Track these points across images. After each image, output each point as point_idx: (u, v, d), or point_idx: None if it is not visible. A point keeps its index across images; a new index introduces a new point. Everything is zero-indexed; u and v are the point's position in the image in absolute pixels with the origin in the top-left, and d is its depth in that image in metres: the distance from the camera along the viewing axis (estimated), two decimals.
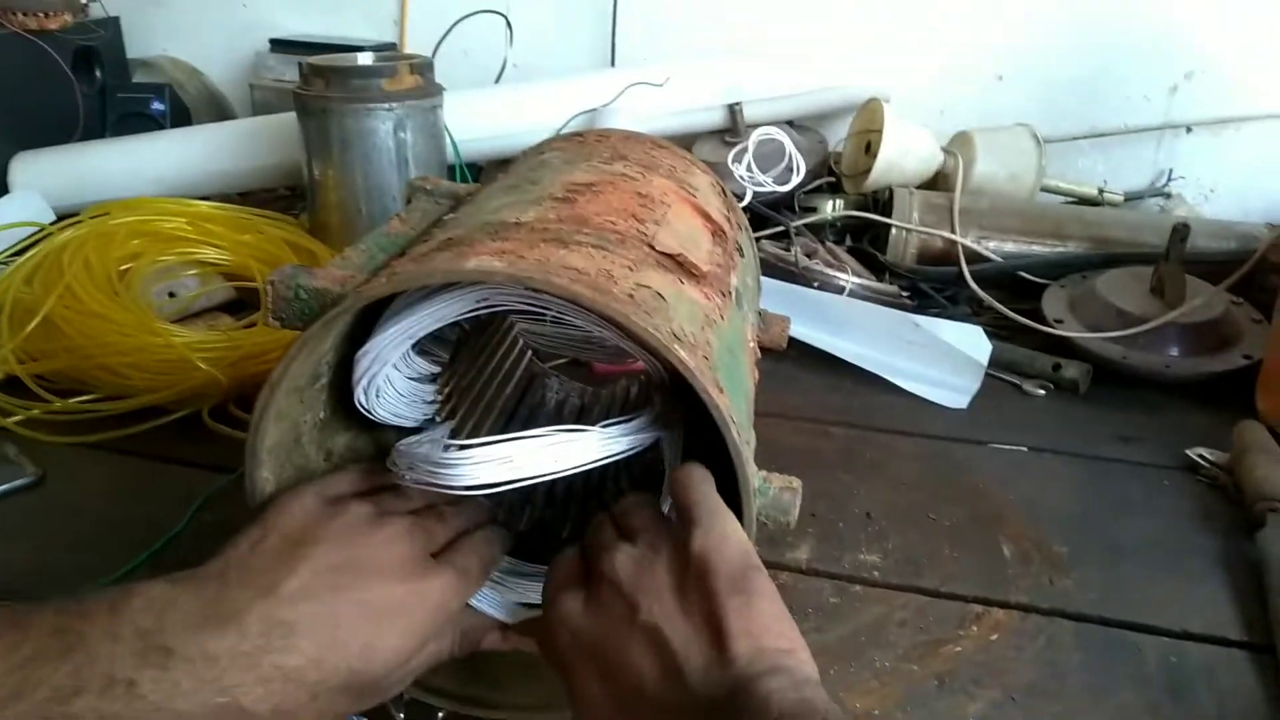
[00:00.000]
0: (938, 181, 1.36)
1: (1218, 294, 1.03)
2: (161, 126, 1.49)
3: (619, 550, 0.48)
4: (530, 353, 0.81)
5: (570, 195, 0.59)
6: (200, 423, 0.86)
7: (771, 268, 1.13)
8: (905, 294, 1.17)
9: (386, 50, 1.51)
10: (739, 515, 0.51)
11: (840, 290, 1.12)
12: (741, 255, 0.71)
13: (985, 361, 0.99)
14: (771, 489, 0.53)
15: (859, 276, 1.16)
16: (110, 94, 1.51)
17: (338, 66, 1.09)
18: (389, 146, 1.11)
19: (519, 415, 0.76)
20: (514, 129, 1.31)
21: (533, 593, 0.61)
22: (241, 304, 1.08)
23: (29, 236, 1.05)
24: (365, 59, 1.17)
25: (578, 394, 0.81)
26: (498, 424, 0.71)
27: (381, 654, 0.47)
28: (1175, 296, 1.02)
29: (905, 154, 1.29)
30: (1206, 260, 1.13)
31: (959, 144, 1.37)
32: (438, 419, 0.64)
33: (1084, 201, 1.39)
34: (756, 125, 1.33)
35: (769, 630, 0.43)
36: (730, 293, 0.61)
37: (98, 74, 1.51)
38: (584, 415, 0.79)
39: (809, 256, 1.17)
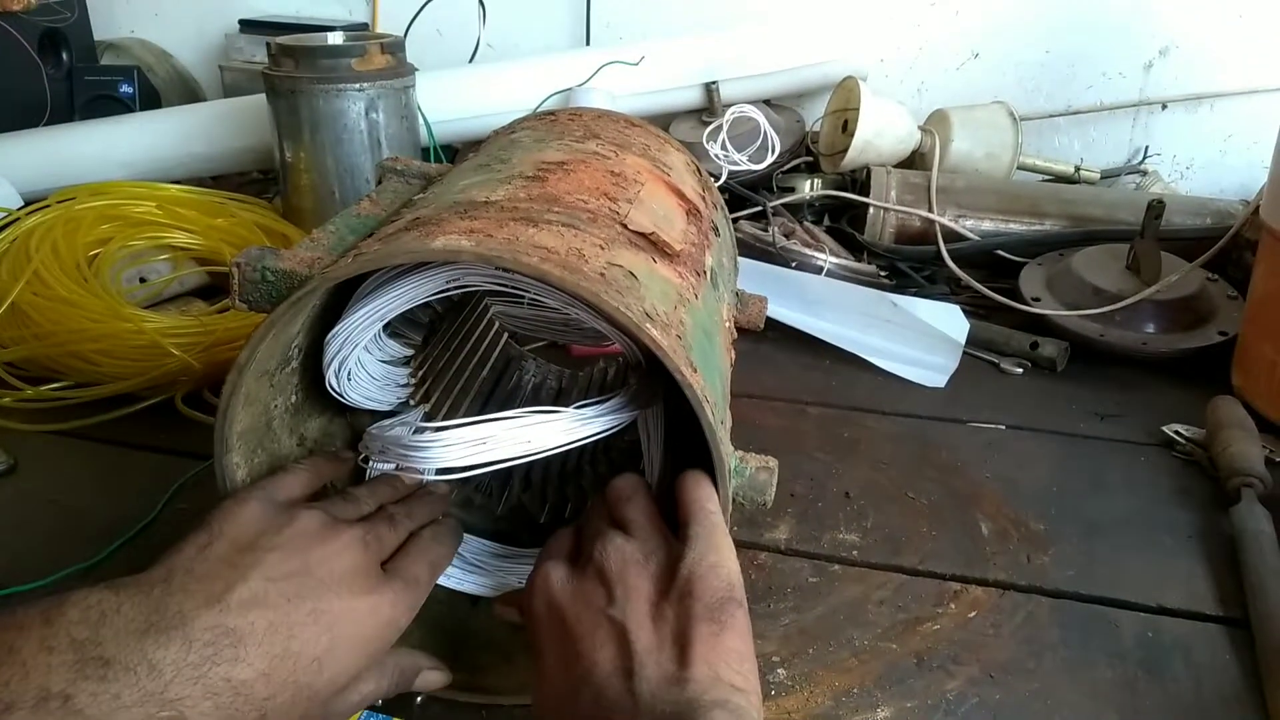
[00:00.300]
0: (915, 160, 1.35)
1: (1193, 271, 1.03)
2: (130, 109, 1.47)
3: (611, 540, 0.49)
4: (506, 335, 0.81)
5: (541, 174, 0.59)
6: (173, 409, 0.85)
7: (749, 248, 1.13)
8: (883, 273, 1.17)
9: (358, 30, 1.49)
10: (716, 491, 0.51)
11: (818, 270, 1.11)
12: (717, 235, 0.70)
13: (963, 340, 0.99)
14: (748, 469, 0.53)
15: (837, 256, 1.15)
16: (77, 77, 1.49)
17: (307, 46, 1.08)
18: (361, 128, 1.09)
19: (495, 398, 0.75)
20: (488, 109, 1.30)
21: (508, 575, 0.61)
22: (214, 289, 1.06)
23: None
24: (335, 39, 1.16)
25: (555, 376, 0.81)
26: (473, 407, 0.71)
27: (331, 669, 0.46)
28: (1151, 274, 1.02)
29: (882, 133, 1.28)
30: (1182, 237, 1.13)
31: (936, 122, 1.36)
32: (411, 402, 0.64)
33: (1060, 179, 1.39)
34: (733, 104, 1.32)
35: (730, 665, 0.43)
36: (705, 272, 0.61)
37: (64, 57, 1.49)
38: (561, 397, 0.78)
39: (787, 236, 1.17)
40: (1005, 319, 1.06)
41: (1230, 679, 0.60)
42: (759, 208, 1.25)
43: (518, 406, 0.54)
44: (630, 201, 0.59)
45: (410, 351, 0.65)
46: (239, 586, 0.44)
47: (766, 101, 1.41)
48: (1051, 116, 1.47)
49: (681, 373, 0.46)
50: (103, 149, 1.29)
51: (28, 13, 1.40)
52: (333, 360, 0.55)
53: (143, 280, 1.01)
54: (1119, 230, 1.15)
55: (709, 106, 1.37)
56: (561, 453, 0.55)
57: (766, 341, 1.01)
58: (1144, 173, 1.42)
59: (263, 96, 1.13)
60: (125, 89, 1.49)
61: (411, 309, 0.55)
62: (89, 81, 1.49)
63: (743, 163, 1.25)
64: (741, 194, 1.27)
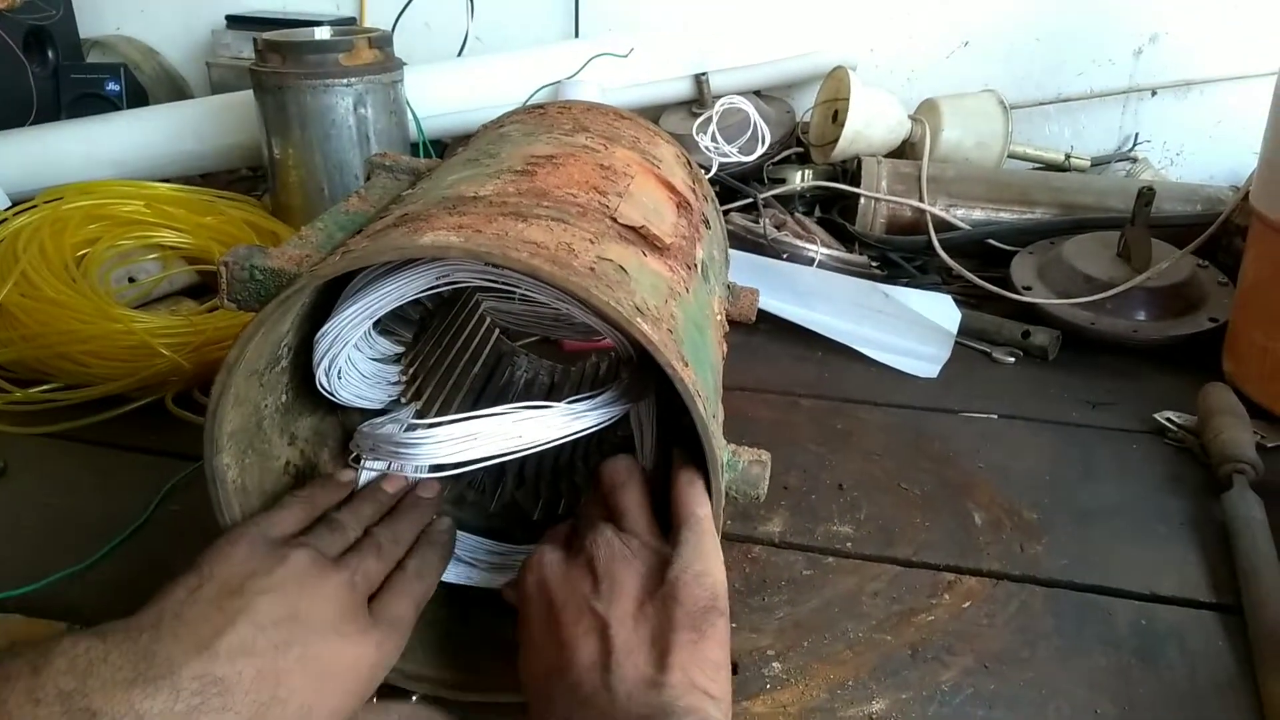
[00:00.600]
0: (905, 150, 1.35)
1: (1184, 257, 1.03)
2: (117, 107, 1.46)
3: (602, 532, 0.50)
4: (498, 331, 0.80)
5: (530, 168, 0.58)
6: (164, 410, 0.85)
7: (740, 239, 1.12)
8: (875, 264, 1.17)
9: (345, 24, 1.48)
10: (708, 486, 0.51)
11: (810, 261, 1.11)
12: (707, 227, 0.70)
13: (955, 330, 0.99)
14: (740, 463, 0.53)
15: (828, 247, 1.15)
16: (64, 75, 1.48)
17: (293, 42, 1.07)
18: (349, 123, 1.09)
19: (487, 395, 0.75)
20: (477, 103, 1.29)
21: (502, 571, 0.61)
22: (204, 288, 1.06)
23: None
24: (322, 33, 1.15)
25: (547, 372, 0.81)
26: (465, 404, 0.70)
27: (319, 715, 0.46)
28: (1141, 261, 1.02)
29: (872, 123, 1.28)
30: (1172, 224, 1.14)
31: (926, 111, 1.36)
32: (403, 400, 0.64)
33: (1051, 167, 1.39)
34: (723, 95, 1.31)
35: (705, 674, 0.44)
36: (695, 265, 0.61)
37: (50, 55, 1.48)
38: (554, 393, 0.78)
39: (778, 228, 1.17)
40: (997, 308, 1.06)
41: (1224, 665, 0.60)
42: (750, 199, 1.24)
43: (510, 402, 0.54)
44: (620, 195, 0.58)
45: (401, 349, 0.65)
46: (227, 633, 0.44)
47: (756, 92, 1.41)
48: (1041, 104, 1.47)
49: (673, 367, 0.46)
50: (89, 147, 1.28)
51: (12, 11, 1.39)
52: (323, 359, 0.54)
53: (131, 280, 1.00)
54: (1109, 218, 1.15)
55: (699, 98, 1.37)
56: (554, 448, 0.55)
57: (758, 333, 1.01)
58: (1134, 159, 1.42)
59: (251, 93, 1.13)
60: (112, 87, 1.48)
61: (402, 306, 0.54)
62: (75, 79, 1.48)
63: (733, 154, 1.25)
64: (732, 186, 1.27)
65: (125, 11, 1.72)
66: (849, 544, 0.71)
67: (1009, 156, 1.36)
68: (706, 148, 1.24)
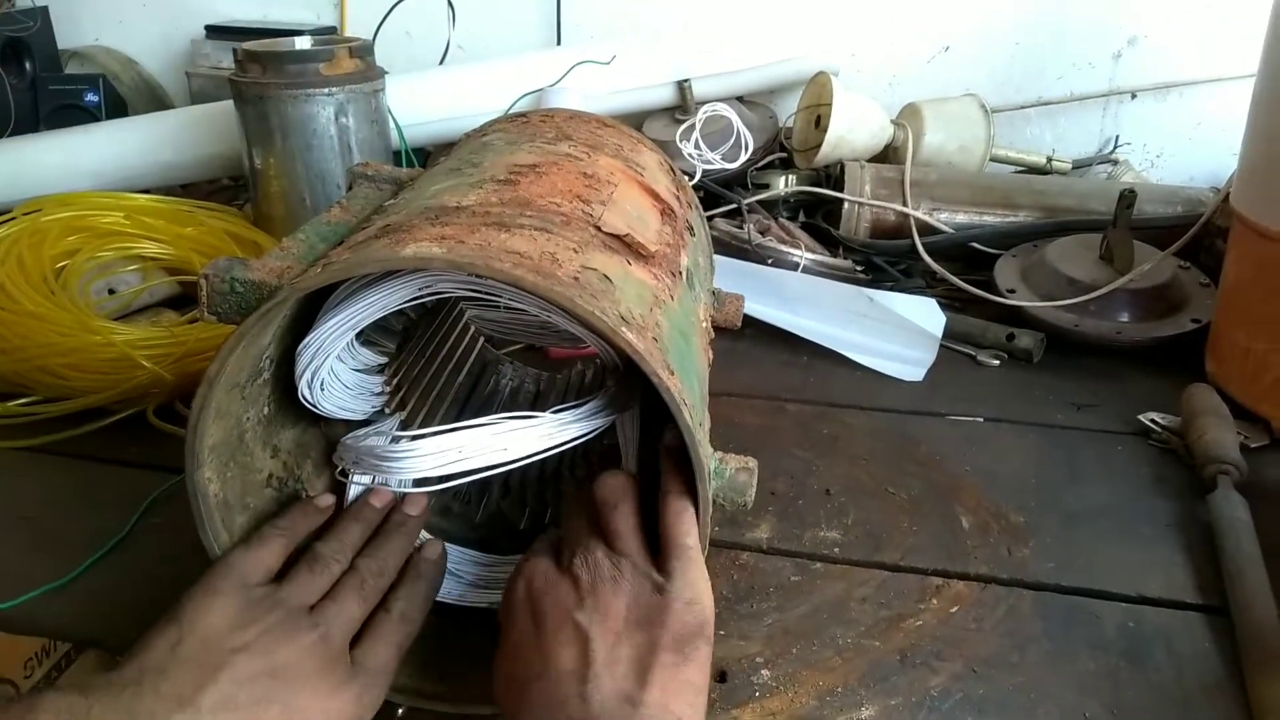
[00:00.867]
0: (888, 154, 1.36)
1: (1165, 259, 1.04)
2: (96, 118, 1.45)
3: (592, 551, 0.50)
4: (482, 339, 0.80)
5: (513, 177, 0.58)
6: (145, 423, 0.84)
7: (725, 245, 1.12)
8: (859, 268, 1.17)
9: (326, 34, 1.48)
10: (694, 495, 0.50)
11: (794, 266, 1.11)
12: (692, 234, 0.70)
13: (940, 334, 0.99)
14: (728, 470, 0.52)
15: (813, 252, 1.15)
16: (41, 86, 1.47)
17: (274, 51, 1.07)
18: (330, 133, 1.08)
19: (472, 403, 0.75)
20: (460, 111, 1.29)
21: (488, 583, 0.61)
22: (185, 299, 1.05)
23: None
24: (303, 43, 1.14)
25: (532, 380, 0.80)
26: (450, 414, 0.70)
27: None
28: (1124, 263, 1.03)
29: (855, 128, 1.28)
30: (1154, 225, 1.14)
31: (908, 116, 1.36)
32: (387, 410, 0.63)
33: (1033, 170, 1.39)
34: (706, 101, 1.31)
35: (684, 698, 0.45)
36: (680, 273, 0.61)
37: (28, 66, 1.46)
38: (539, 401, 0.78)
39: (762, 233, 1.17)
40: (981, 311, 1.07)
41: (1211, 667, 0.60)
42: (734, 205, 1.24)
43: (495, 411, 0.54)
44: (604, 203, 0.58)
45: (384, 359, 0.64)
46: (209, 689, 0.44)
47: (739, 98, 1.41)
48: (1023, 108, 1.47)
49: (658, 375, 0.46)
50: (68, 159, 1.27)
51: None
52: (305, 371, 0.54)
53: (111, 291, 0.99)
54: (1091, 220, 1.15)
55: (682, 104, 1.37)
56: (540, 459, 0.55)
57: (744, 339, 1.01)
58: (1115, 162, 1.43)
59: (231, 103, 1.12)
60: (91, 98, 1.47)
61: (385, 316, 0.54)
62: (53, 91, 1.47)
63: (716, 161, 1.25)
64: (716, 192, 1.27)
65: (104, 22, 1.71)
66: (837, 549, 0.71)
67: (991, 160, 1.36)
68: (690, 154, 1.24)
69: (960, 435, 0.86)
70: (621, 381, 0.58)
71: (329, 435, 0.63)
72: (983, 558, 0.70)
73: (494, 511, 0.67)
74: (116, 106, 1.51)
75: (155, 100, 1.63)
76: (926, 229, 1.20)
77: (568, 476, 0.67)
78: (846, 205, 1.23)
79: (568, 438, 0.54)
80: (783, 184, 1.32)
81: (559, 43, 1.55)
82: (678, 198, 0.72)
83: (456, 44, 1.55)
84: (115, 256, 1.00)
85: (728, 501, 0.53)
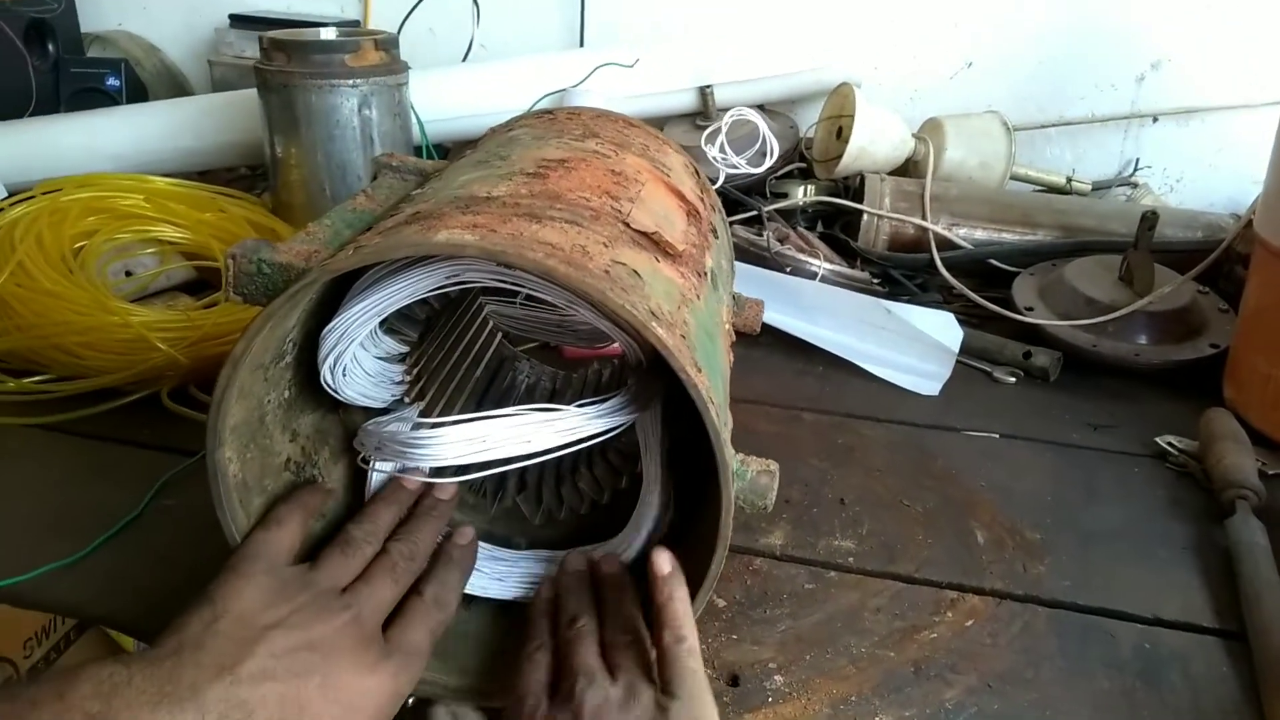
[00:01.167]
0: (908, 168, 1.35)
1: (1185, 283, 1.03)
2: (117, 103, 1.45)
3: (592, 685, 0.48)
4: (500, 335, 0.80)
5: (542, 171, 0.58)
6: (159, 404, 0.84)
7: (743, 252, 1.12)
8: (876, 280, 1.17)
9: (350, 27, 1.48)
10: (717, 498, 0.50)
11: (812, 275, 1.11)
12: (715, 237, 0.70)
13: (957, 348, 0.99)
14: (749, 472, 0.52)
15: (831, 262, 1.15)
16: (64, 69, 1.47)
17: (300, 41, 1.07)
18: (353, 124, 1.08)
19: (489, 398, 0.74)
20: (481, 109, 1.29)
21: (501, 577, 0.60)
22: (202, 284, 1.05)
23: None
24: (329, 34, 1.15)
25: (549, 378, 0.80)
26: (467, 407, 0.70)
27: None
28: (1144, 285, 1.02)
29: (876, 140, 1.28)
30: (1174, 249, 1.14)
31: (930, 130, 1.36)
32: (406, 400, 0.63)
33: (1053, 190, 1.39)
34: (727, 109, 1.31)
35: None
36: (706, 273, 0.60)
37: (51, 48, 1.47)
38: (555, 399, 0.77)
39: (781, 242, 1.16)
40: (998, 328, 1.06)
41: (1228, 691, 0.59)
42: (753, 212, 1.24)
43: (512, 406, 0.54)
44: (632, 200, 0.58)
45: (406, 348, 0.64)
46: (248, 661, 0.44)
47: (760, 106, 1.41)
48: (1044, 127, 1.47)
49: (686, 373, 0.46)
50: (88, 141, 1.27)
51: (15, 3, 1.38)
52: (328, 355, 0.54)
53: (129, 274, 0.99)
54: (1111, 241, 1.15)
55: (703, 110, 1.37)
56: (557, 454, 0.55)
57: (760, 347, 1.01)
58: (1135, 185, 1.43)
59: (252, 91, 1.12)
60: (112, 82, 1.47)
61: (409, 305, 0.54)
62: (75, 74, 1.47)
63: (741, 166, 1.24)
64: (736, 198, 1.27)
65: (128, 7, 1.72)
66: (851, 559, 0.70)
67: (1011, 178, 1.36)
68: (714, 158, 1.23)
69: (976, 451, 0.86)
70: (643, 380, 0.57)
71: (347, 423, 0.63)
72: (998, 573, 0.69)
73: (509, 506, 0.66)
74: (137, 92, 1.51)
75: (176, 87, 1.63)
76: (945, 244, 1.20)
77: (584, 474, 0.66)
78: (865, 217, 1.23)
79: (591, 432, 0.53)
80: (802, 194, 1.31)
81: (582, 44, 1.56)
82: (702, 200, 0.72)
83: (479, 43, 1.55)
84: (134, 239, 1.00)
85: (748, 504, 0.52)
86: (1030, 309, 1.06)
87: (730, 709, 0.56)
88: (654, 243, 0.55)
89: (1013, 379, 0.99)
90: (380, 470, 0.59)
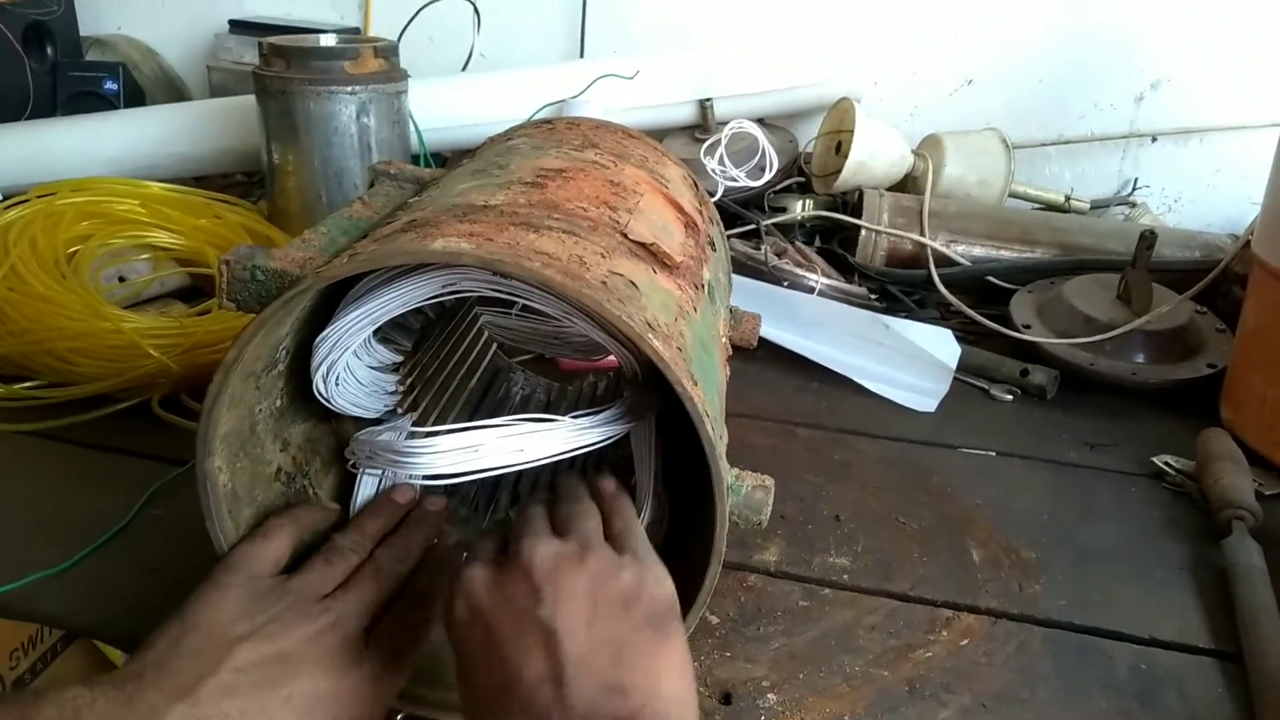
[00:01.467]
0: (907, 184, 1.35)
1: (1183, 302, 1.03)
2: (114, 107, 1.45)
3: (542, 540, 0.46)
4: (495, 346, 0.79)
5: (540, 180, 0.57)
6: (150, 412, 0.83)
7: (741, 266, 1.12)
8: (874, 296, 1.16)
9: (350, 34, 1.48)
10: (711, 513, 0.49)
11: (810, 290, 1.11)
12: (713, 249, 0.69)
13: (954, 365, 0.99)
14: (744, 487, 0.52)
15: (828, 277, 1.15)
16: (62, 72, 1.46)
17: (299, 47, 1.06)
18: (351, 131, 1.08)
19: (483, 409, 0.74)
20: (480, 118, 1.28)
21: None
22: (196, 290, 1.04)
23: None
24: (328, 40, 1.14)
25: (543, 389, 0.80)
26: (461, 418, 0.69)
27: None
28: (1142, 304, 1.02)
29: (875, 155, 1.28)
30: (1172, 269, 1.13)
31: (929, 146, 1.36)
32: (399, 410, 0.62)
33: (1051, 208, 1.39)
34: (726, 122, 1.31)
35: (672, 676, 0.43)
36: (703, 286, 0.60)
37: (49, 51, 1.46)
38: (550, 411, 0.76)
39: (779, 256, 1.16)
40: (995, 345, 1.06)
41: (1224, 713, 0.59)
42: (751, 226, 1.24)
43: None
44: (630, 211, 0.58)
45: (399, 358, 0.64)
46: (209, 679, 0.43)
47: (760, 120, 1.41)
48: (1043, 145, 1.47)
49: (682, 385, 0.45)
50: (85, 145, 1.26)
51: (13, 5, 1.38)
52: (321, 364, 0.53)
53: (122, 279, 0.98)
54: (1110, 260, 1.15)
55: (703, 123, 1.37)
56: (550, 466, 0.54)
57: (756, 361, 1.00)
58: (1133, 204, 1.43)
59: (250, 97, 1.11)
60: (110, 86, 1.47)
61: (403, 314, 0.53)
62: (73, 77, 1.46)
63: (741, 179, 1.24)
64: (734, 211, 1.26)
65: (127, 11, 1.71)
66: (846, 576, 0.70)
67: (1010, 195, 1.36)
68: (713, 171, 1.23)
69: (972, 468, 0.85)
70: (639, 392, 0.57)
71: (339, 433, 0.63)
72: (994, 592, 0.69)
73: (501, 519, 0.66)
74: (135, 96, 1.50)
75: (174, 92, 1.62)
76: (943, 260, 1.20)
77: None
78: (864, 232, 1.23)
79: (584, 443, 0.53)
80: (800, 208, 1.31)
81: (582, 55, 1.55)
82: (700, 212, 0.71)
83: (480, 52, 1.55)
84: (128, 244, 1.00)
85: (743, 519, 0.52)
86: (1028, 326, 1.06)
87: None
88: (651, 254, 0.54)
89: (1010, 397, 0.99)
90: (369, 474, 0.58)
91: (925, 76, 1.49)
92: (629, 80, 1.32)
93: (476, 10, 1.52)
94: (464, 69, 1.54)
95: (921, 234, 1.21)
